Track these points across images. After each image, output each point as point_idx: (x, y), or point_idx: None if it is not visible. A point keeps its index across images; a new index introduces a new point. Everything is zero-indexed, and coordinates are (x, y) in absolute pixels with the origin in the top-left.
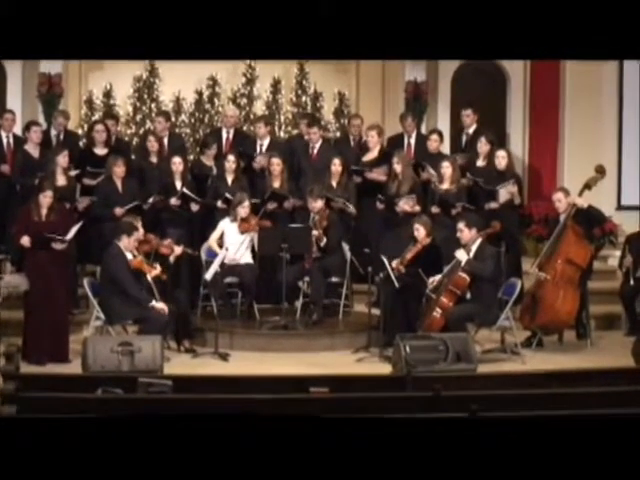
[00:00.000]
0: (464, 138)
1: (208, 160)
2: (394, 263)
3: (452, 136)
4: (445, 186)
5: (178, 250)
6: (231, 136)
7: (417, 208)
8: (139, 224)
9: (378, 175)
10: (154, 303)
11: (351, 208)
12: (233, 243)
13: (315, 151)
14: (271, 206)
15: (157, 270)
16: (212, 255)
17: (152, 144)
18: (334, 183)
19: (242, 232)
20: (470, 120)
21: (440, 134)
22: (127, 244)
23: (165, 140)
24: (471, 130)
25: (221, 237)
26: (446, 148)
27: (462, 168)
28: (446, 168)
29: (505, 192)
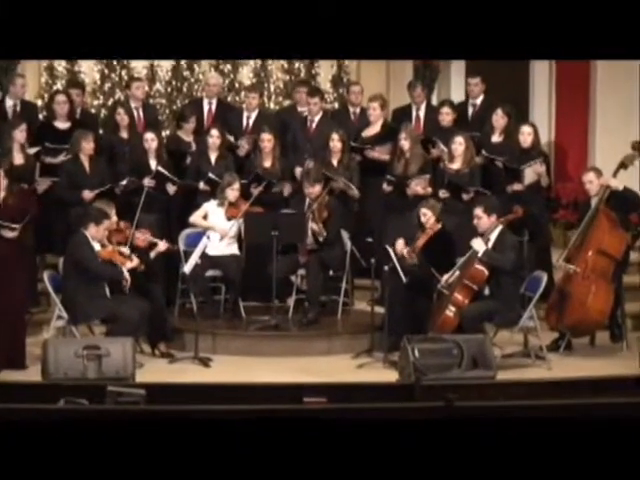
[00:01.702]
0: (470, 110)
1: (186, 135)
2: (405, 250)
3: (457, 108)
4: (456, 166)
5: (162, 245)
6: (213, 108)
7: (429, 190)
8: (112, 211)
9: (380, 154)
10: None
11: (354, 190)
12: (220, 226)
13: (314, 125)
14: (254, 190)
15: (134, 262)
16: (192, 244)
17: (122, 117)
18: (334, 161)
19: (229, 218)
20: (478, 90)
21: (452, 105)
22: (95, 233)
23: (140, 112)
24: (478, 101)
25: (204, 218)
26: None
27: (475, 144)
28: (458, 145)
29: (531, 172)
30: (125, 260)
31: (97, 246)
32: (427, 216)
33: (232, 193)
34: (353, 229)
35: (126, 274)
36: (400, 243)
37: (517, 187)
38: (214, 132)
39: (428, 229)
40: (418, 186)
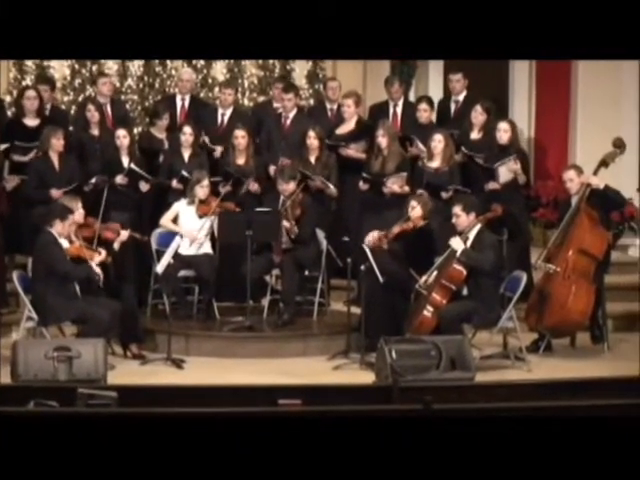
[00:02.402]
0: (452, 107)
1: (159, 132)
2: (375, 234)
3: (439, 105)
4: (435, 164)
5: (124, 234)
6: (187, 104)
7: (406, 188)
8: (79, 204)
9: (356, 151)
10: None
11: (332, 188)
12: (189, 230)
13: (288, 121)
14: (223, 188)
15: (101, 255)
16: (164, 244)
17: (92, 113)
18: (312, 159)
19: (200, 216)
20: (460, 86)
21: (430, 102)
22: (61, 230)
23: (108, 108)
24: (460, 97)
25: (175, 219)
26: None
27: (454, 142)
28: (437, 142)
29: (506, 170)
30: (93, 254)
31: (65, 243)
32: (415, 209)
33: (201, 190)
34: (330, 228)
35: (96, 269)
36: (373, 233)
37: (493, 185)
38: (187, 129)
39: (410, 221)
40: (395, 184)
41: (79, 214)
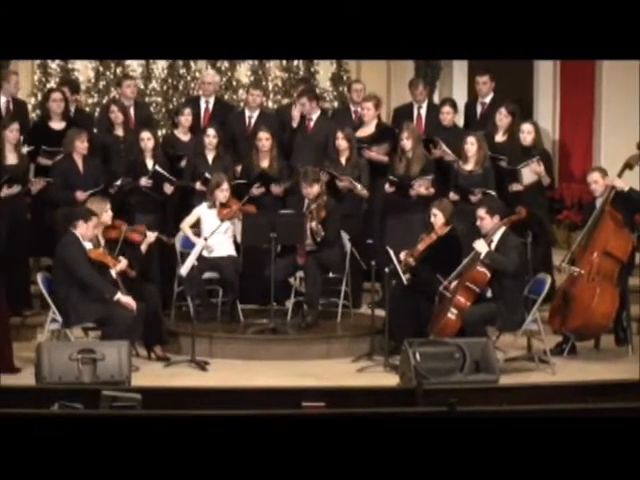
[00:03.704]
0: (479, 109)
1: (183, 134)
2: (402, 255)
3: (466, 107)
4: (469, 167)
5: (151, 236)
6: (210, 106)
7: (432, 190)
8: (107, 206)
9: (377, 154)
10: (120, 296)
11: (360, 188)
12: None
13: (312, 123)
14: (257, 190)
15: (122, 264)
16: (188, 246)
17: (116, 115)
18: (342, 160)
19: (222, 219)
20: (487, 88)
21: (453, 104)
22: (85, 231)
23: (131, 111)
24: (487, 99)
25: (196, 224)
26: (459, 120)
27: None
28: (470, 145)
29: (529, 172)
30: (114, 262)
31: (88, 245)
32: (437, 217)
33: (221, 194)
34: (358, 230)
35: (114, 276)
36: (403, 253)
37: (516, 187)
38: (210, 131)
39: (433, 233)
40: (421, 187)
41: (107, 216)
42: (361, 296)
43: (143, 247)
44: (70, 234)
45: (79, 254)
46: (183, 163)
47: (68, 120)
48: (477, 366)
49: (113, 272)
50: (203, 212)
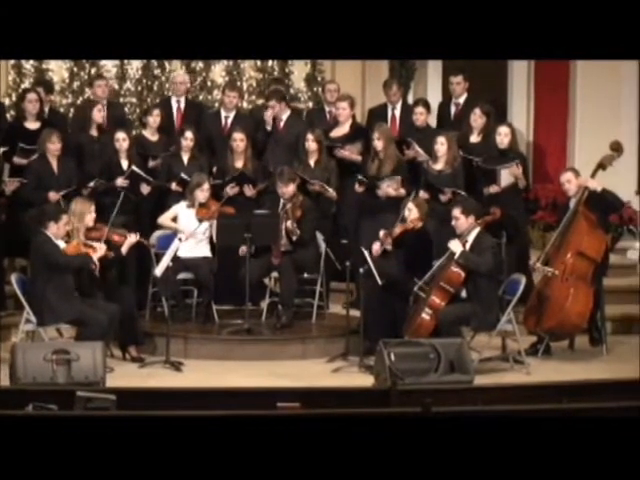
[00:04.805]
0: (453, 109)
1: (151, 134)
2: (380, 233)
3: (439, 108)
4: (438, 166)
5: (133, 238)
6: (182, 106)
7: (402, 191)
8: (92, 208)
9: (351, 153)
10: (100, 253)
11: (331, 191)
12: (188, 233)
13: (282, 123)
14: (232, 190)
15: (101, 249)
16: (163, 246)
17: (97, 114)
18: (312, 162)
19: (200, 220)
20: (460, 89)
21: (426, 105)
22: (56, 231)
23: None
24: (461, 100)
25: (174, 220)
26: (433, 121)
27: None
28: (440, 145)
29: (507, 174)
30: (91, 250)
31: (61, 243)
32: (412, 211)
33: (202, 194)
34: (330, 231)
35: (95, 260)
36: (376, 244)
37: (493, 189)
38: (188, 134)
39: (409, 222)
40: (389, 187)
41: (90, 217)
42: (329, 296)
43: (124, 249)
44: (42, 234)
45: (53, 248)
46: (151, 163)
47: (43, 120)
48: (452, 366)
49: (95, 257)
50: (181, 211)
